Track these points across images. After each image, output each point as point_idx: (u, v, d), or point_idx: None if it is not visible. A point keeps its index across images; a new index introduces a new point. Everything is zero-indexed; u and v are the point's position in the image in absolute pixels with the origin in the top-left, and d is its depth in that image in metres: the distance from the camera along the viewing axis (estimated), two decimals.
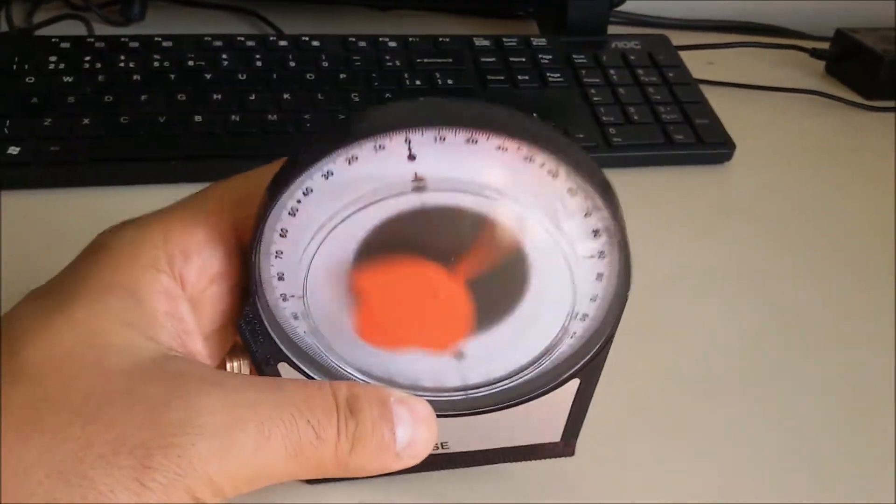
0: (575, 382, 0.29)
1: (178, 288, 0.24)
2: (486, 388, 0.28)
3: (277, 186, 0.23)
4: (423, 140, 0.22)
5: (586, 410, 0.30)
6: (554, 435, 0.31)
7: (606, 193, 0.23)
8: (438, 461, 0.30)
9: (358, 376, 0.27)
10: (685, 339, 0.41)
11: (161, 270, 0.24)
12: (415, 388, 0.28)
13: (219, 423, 0.22)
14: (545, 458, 0.31)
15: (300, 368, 0.27)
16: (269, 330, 0.26)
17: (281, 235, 0.24)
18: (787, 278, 0.46)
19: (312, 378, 0.27)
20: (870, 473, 0.34)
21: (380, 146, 0.22)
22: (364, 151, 0.22)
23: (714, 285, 0.45)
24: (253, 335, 0.26)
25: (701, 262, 0.46)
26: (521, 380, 0.28)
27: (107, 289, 0.23)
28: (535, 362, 0.28)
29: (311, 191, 0.23)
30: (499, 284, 0.25)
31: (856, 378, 0.39)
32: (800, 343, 0.41)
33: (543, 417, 0.30)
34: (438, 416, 0.26)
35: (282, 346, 0.26)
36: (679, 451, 0.35)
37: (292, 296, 0.25)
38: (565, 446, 0.31)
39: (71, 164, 0.46)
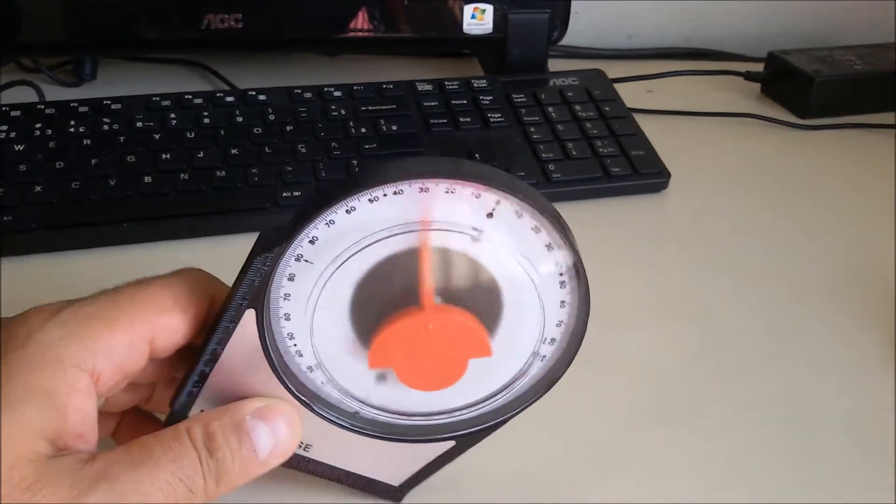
0: (449, 444, 0.31)
1: (92, 386, 0.26)
2: (399, 416, 0.31)
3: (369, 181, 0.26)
4: (507, 207, 0.27)
5: (435, 472, 0.32)
6: (395, 478, 0.33)
7: (564, 231, 0.27)
8: (292, 461, 0.31)
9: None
10: (626, 365, 0.42)
11: (83, 370, 0.26)
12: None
13: None
14: (374, 496, 0.33)
15: (261, 325, 0.28)
16: (269, 284, 0.27)
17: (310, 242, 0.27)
18: (725, 302, 0.47)
19: (264, 338, 0.28)
20: (808, 493, 0.36)
21: (477, 194, 0.26)
22: (462, 189, 0.26)
23: (653, 312, 0.46)
24: (253, 274, 0.27)
25: (639, 289, 0.48)
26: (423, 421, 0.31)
27: (25, 396, 0.25)
28: (503, 389, 0.31)
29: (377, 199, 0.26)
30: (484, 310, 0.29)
31: (795, 400, 0.41)
32: (739, 366, 0.43)
33: (399, 461, 0.32)
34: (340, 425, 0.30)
35: (267, 303, 0.27)
36: (622, 477, 0.36)
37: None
38: (397, 492, 0.33)
39: (24, 232, 0.48)
